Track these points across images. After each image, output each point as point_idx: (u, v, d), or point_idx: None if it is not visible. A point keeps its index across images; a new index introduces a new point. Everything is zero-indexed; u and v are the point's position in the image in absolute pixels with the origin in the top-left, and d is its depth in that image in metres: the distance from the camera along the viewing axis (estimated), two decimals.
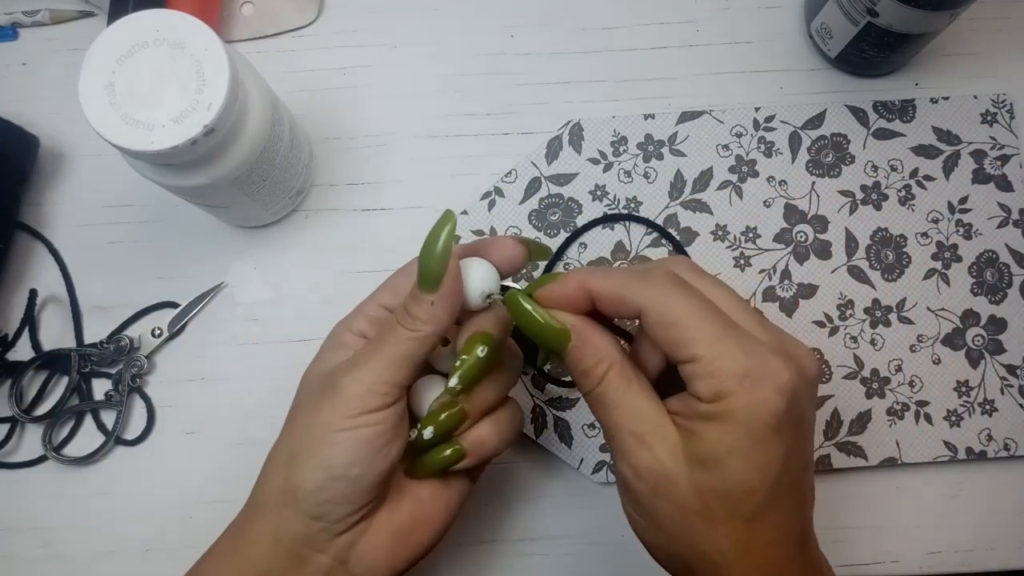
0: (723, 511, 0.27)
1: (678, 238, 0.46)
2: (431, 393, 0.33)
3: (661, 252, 0.46)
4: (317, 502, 0.31)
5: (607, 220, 0.46)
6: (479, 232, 0.47)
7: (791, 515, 0.28)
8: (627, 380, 0.29)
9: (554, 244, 0.46)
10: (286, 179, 0.44)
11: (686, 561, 0.29)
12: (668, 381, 0.30)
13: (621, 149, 0.48)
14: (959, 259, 0.46)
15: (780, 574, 0.28)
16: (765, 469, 0.27)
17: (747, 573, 0.28)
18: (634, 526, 0.31)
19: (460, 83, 0.50)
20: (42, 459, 0.45)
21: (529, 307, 0.30)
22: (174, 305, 0.47)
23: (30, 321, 0.46)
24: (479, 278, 0.32)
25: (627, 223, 0.47)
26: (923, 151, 0.47)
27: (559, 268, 0.46)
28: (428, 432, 0.32)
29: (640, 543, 0.31)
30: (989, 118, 0.48)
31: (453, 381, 0.31)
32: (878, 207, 0.47)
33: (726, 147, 0.48)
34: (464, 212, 0.47)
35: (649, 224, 0.46)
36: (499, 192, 0.47)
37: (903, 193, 0.47)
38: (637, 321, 0.30)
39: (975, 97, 0.48)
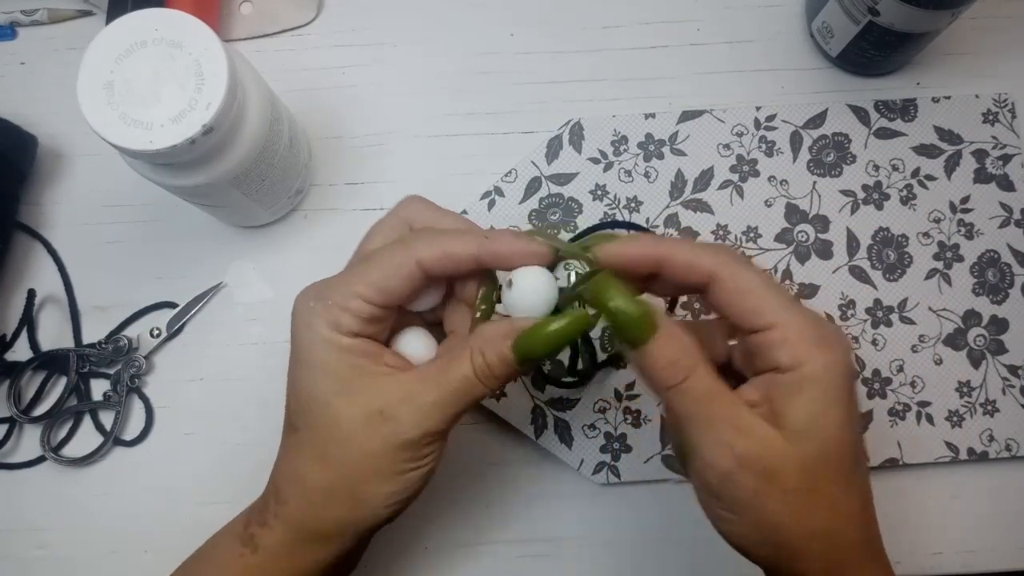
0: (825, 480, 0.28)
1: (679, 238, 0.46)
2: (415, 346, 0.34)
3: None
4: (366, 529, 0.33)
5: (604, 227, 0.46)
6: None
7: (865, 477, 0.30)
8: (715, 373, 0.29)
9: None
10: (285, 179, 0.44)
11: (794, 546, 0.29)
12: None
13: (622, 148, 0.47)
14: (961, 259, 0.46)
15: (873, 536, 0.30)
16: (850, 427, 0.28)
17: (853, 540, 0.29)
18: (726, 527, 0.30)
19: (460, 83, 0.49)
20: (40, 459, 0.45)
21: (619, 293, 0.28)
22: (173, 305, 0.47)
23: (28, 321, 0.46)
24: (538, 292, 0.31)
25: (627, 223, 0.47)
26: (924, 151, 0.47)
27: (559, 270, 0.46)
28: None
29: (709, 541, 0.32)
30: (991, 117, 0.47)
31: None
32: (879, 207, 0.47)
33: (727, 146, 0.47)
34: (464, 212, 0.47)
35: (644, 231, 0.46)
36: (499, 192, 0.47)
37: (904, 193, 0.47)
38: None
39: (977, 96, 0.48)
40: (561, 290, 0.31)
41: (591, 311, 0.30)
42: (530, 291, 0.30)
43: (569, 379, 0.44)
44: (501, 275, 0.33)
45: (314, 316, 0.31)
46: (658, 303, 0.31)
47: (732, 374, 0.32)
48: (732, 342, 0.33)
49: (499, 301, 0.33)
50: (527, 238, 0.31)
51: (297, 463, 0.32)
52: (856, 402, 0.29)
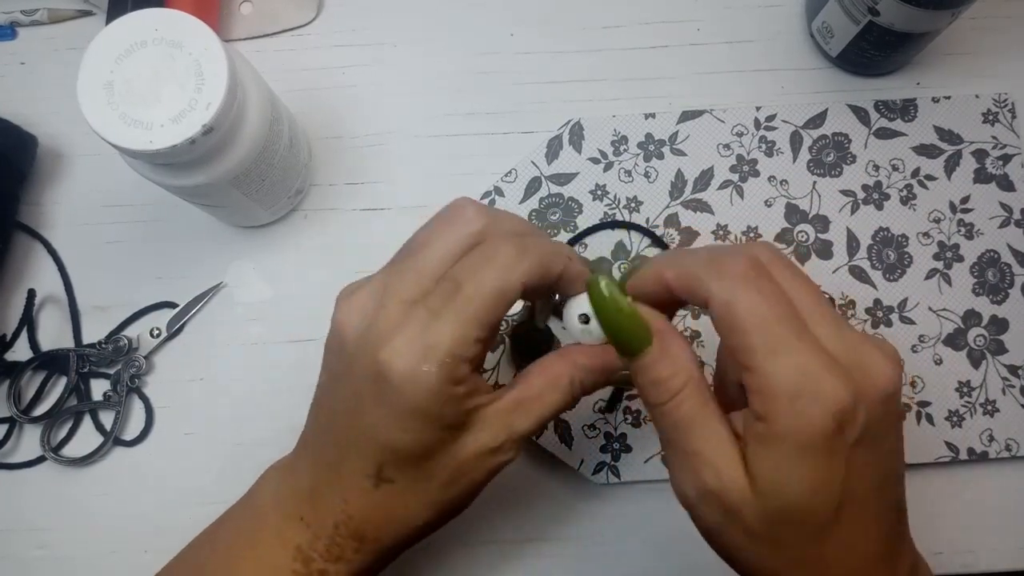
0: (789, 534, 0.27)
1: (679, 238, 0.46)
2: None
3: (661, 251, 0.46)
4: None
5: (604, 227, 0.46)
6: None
7: (865, 534, 0.27)
8: (703, 399, 0.28)
9: None
10: (285, 179, 0.44)
11: None
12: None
13: (622, 148, 0.47)
14: (961, 259, 0.46)
15: None
16: (823, 491, 0.26)
17: None
18: (707, 539, 0.30)
19: (460, 82, 0.49)
20: (40, 460, 0.45)
21: (612, 296, 0.28)
22: (173, 305, 0.47)
23: (28, 321, 0.46)
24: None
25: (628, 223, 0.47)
26: (924, 151, 0.47)
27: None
28: None
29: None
30: (991, 117, 0.47)
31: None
32: (879, 207, 0.47)
33: (727, 146, 0.47)
34: None
35: (644, 232, 0.46)
36: (499, 192, 0.47)
37: (904, 193, 0.47)
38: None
39: (977, 96, 0.48)
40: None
41: None
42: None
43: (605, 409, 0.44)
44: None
45: (429, 382, 0.28)
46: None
47: None
48: None
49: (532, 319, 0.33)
50: (586, 266, 0.32)
51: (397, 510, 0.31)
52: (869, 455, 0.26)
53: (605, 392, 0.44)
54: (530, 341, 0.44)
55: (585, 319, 0.32)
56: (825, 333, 0.26)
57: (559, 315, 0.33)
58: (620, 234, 0.46)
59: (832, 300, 0.33)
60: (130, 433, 0.46)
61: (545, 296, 0.34)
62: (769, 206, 0.47)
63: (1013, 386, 0.44)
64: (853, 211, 0.47)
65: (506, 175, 0.47)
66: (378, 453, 0.30)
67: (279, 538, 0.32)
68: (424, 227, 0.32)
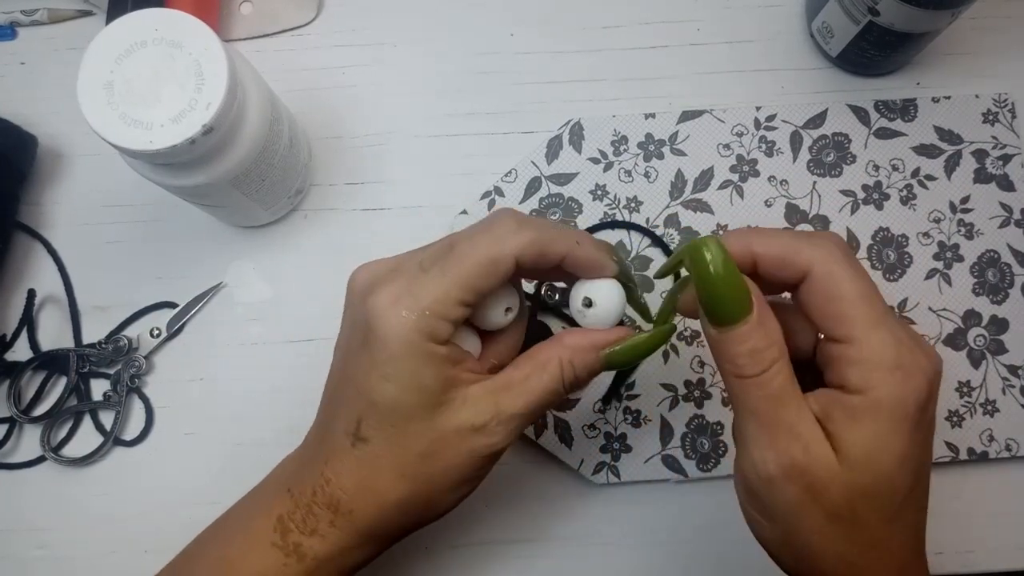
0: (869, 512, 0.27)
1: (679, 238, 0.46)
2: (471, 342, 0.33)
3: (662, 251, 0.46)
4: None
5: (604, 227, 0.46)
6: None
7: (919, 513, 0.28)
8: (792, 374, 0.28)
9: None
10: (285, 179, 0.44)
11: (819, 567, 0.28)
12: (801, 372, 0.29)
13: (621, 148, 0.47)
14: (961, 259, 0.46)
15: (906, 573, 0.28)
16: (909, 465, 0.27)
17: (881, 574, 0.28)
18: (756, 528, 0.30)
19: (460, 82, 0.49)
20: (40, 460, 0.45)
21: (725, 258, 0.27)
22: (173, 305, 0.47)
23: (28, 321, 0.46)
24: (612, 300, 0.32)
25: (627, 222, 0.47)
26: (924, 151, 0.47)
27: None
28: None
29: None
30: (991, 117, 0.47)
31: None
32: (879, 207, 0.47)
33: (727, 146, 0.47)
34: (464, 212, 0.47)
35: (644, 232, 0.46)
36: (499, 192, 0.47)
37: (904, 193, 0.47)
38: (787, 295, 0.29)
39: (977, 96, 0.48)
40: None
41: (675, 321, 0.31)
42: (611, 303, 0.32)
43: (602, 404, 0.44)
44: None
45: (407, 327, 0.29)
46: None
47: (811, 370, 0.30)
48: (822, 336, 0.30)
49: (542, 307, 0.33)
50: (605, 252, 0.32)
51: (370, 477, 0.31)
52: (926, 437, 0.28)
53: (605, 392, 0.44)
54: (530, 334, 0.44)
55: (587, 303, 0.32)
56: (893, 318, 0.28)
57: (588, 304, 0.32)
58: (620, 234, 0.46)
59: None
60: (130, 433, 0.46)
61: (561, 278, 0.34)
62: (769, 206, 0.47)
63: (1013, 386, 0.44)
64: (853, 211, 0.47)
65: (506, 175, 0.47)
66: (358, 406, 0.30)
67: (267, 510, 0.32)
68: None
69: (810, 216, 0.46)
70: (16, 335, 0.46)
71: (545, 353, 0.32)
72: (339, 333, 0.33)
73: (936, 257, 0.46)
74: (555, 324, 0.34)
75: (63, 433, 0.46)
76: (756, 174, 0.47)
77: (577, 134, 0.48)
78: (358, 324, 0.30)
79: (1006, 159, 0.47)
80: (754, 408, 0.28)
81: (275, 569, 0.31)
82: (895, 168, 0.47)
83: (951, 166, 0.47)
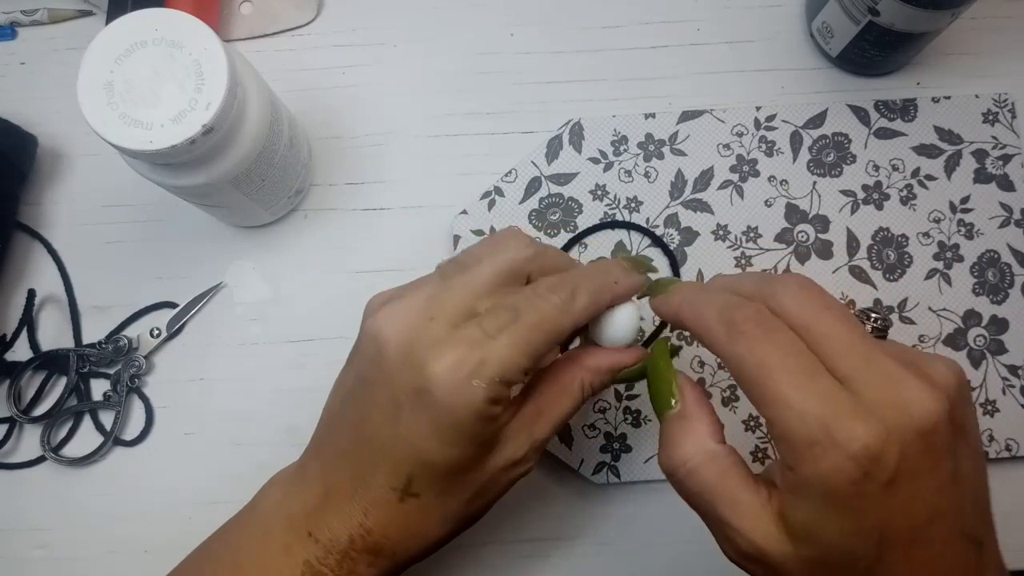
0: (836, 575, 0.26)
1: (679, 238, 0.46)
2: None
3: (662, 252, 0.46)
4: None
5: (604, 227, 0.46)
6: (479, 232, 0.46)
7: (927, 566, 0.26)
8: (722, 469, 0.28)
9: (555, 244, 0.46)
10: (285, 179, 0.44)
11: None
12: None
13: (622, 148, 0.47)
14: (961, 259, 0.46)
15: None
16: (859, 536, 0.25)
17: None
18: None
19: (460, 82, 0.49)
20: (40, 460, 0.45)
21: (663, 365, 0.31)
22: (173, 305, 0.47)
23: (28, 321, 0.46)
24: (630, 328, 0.33)
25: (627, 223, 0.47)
26: (925, 151, 0.47)
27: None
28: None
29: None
30: (991, 117, 0.47)
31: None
32: (879, 207, 0.47)
33: (727, 146, 0.47)
34: (464, 212, 0.47)
35: (644, 232, 0.46)
36: (499, 192, 0.47)
37: (904, 193, 0.47)
38: None
39: (977, 96, 0.48)
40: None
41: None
42: (626, 325, 0.33)
43: None
44: None
45: (477, 399, 0.29)
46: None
47: None
48: None
49: None
50: (635, 274, 0.33)
51: (417, 525, 0.31)
52: (912, 490, 0.25)
53: (606, 392, 0.44)
54: None
55: (606, 326, 0.33)
56: (850, 367, 0.26)
57: None
58: (620, 234, 0.46)
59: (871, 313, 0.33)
60: (130, 433, 0.46)
61: None
62: (769, 206, 0.47)
63: (1013, 386, 0.44)
64: (853, 211, 0.47)
65: (506, 175, 0.47)
66: (410, 465, 0.30)
67: (287, 553, 0.31)
68: (473, 247, 0.33)
69: (810, 216, 0.46)
70: (16, 335, 0.46)
71: (567, 375, 0.33)
72: (356, 374, 0.32)
73: (936, 257, 0.46)
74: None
75: (63, 433, 0.46)
76: (756, 174, 0.47)
77: (577, 134, 0.48)
78: (402, 383, 0.30)
79: (1006, 159, 0.47)
80: (697, 493, 0.29)
81: None
82: (895, 168, 0.47)
83: (951, 166, 0.47)
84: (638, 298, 0.34)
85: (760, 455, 0.44)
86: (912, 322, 0.45)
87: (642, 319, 0.34)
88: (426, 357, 0.29)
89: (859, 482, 0.24)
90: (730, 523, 0.28)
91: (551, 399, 0.32)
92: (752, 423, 0.44)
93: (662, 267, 0.46)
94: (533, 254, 0.32)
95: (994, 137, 0.47)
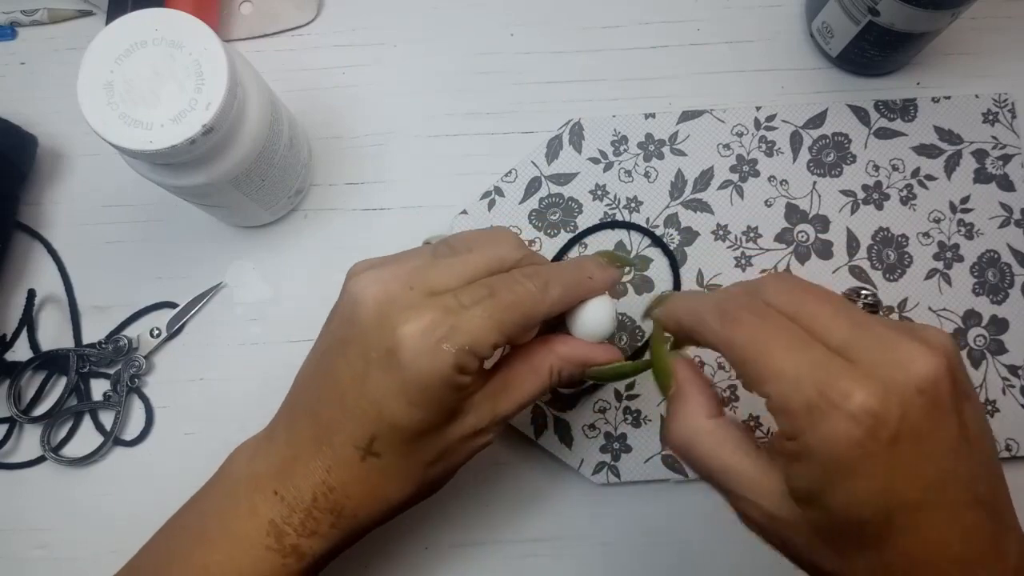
0: (847, 544, 0.26)
1: (679, 238, 0.46)
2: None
3: (662, 252, 0.46)
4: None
5: (604, 227, 0.46)
6: None
7: (935, 538, 0.25)
8: (717, 442, 0.29)
9: (555, 244, 0.46)
10: (285, 179, 0.44)
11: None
12: None
13: (622, 148, 0.47)
14: (961, 259, 0.46)
15: None
16: (866, 500, 0.25)
17: None
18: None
19: (460, 82, 0.49)
20: (40, 459, 0.45)
21: (660, 351, 0.32)
22: (173, 305, 0.47)
23: (28, 321, 0.46)
24: (604, 320, 0.34)
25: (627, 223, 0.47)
26: (925, 151, 0.47)
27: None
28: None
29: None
30: (991, 117, 0.47)
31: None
32: (879, 207, 0.47)
33: (727, 146, 0.47)
34: (464, 212, 0.47)
35: (644, 231, 0.46)
36: (499, 192, 0.47)
37: (904, 193, 0.47)
38: None
39: (977, 96, 0.48)
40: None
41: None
42: (600, 319, 0.34)
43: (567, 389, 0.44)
44: None
45: (445, 363, 0.29)
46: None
47: None
48: None
49: None
50: (610, 268, 0.34)
51: (379, 486, 0.32)
52: (920, 450, 0.25)
53: (606, 392, 0.44)
54: None
55: (581, 317, 0.34)
56: (841, 337, 0.26)
57: None
58: (620, 234, 0.46)
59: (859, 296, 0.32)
60: (130, 433, 0.46)
61: None
62: (769, 206, 0.47)
63: (1013, 386, 0.44)
64: (853, 211, 0.47)
65: (506, 175, 0.47)
66: (374, 425, 0.31)
67: (252, 514, 0.32)
68: (466, 234, 0.34)
69: (810, 216, 0.46)
70: (16, 335, 0.46)
71: (538, 358, 0.34)
72: (331, 333, 0.33)
73: (936, 257, 0.46)
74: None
75: (63, 433, 0.46)
76: (756, 174, 0.47)
77: (577, 134, 0.48)
78: (374, 342, 0.30)
79: (1006, 159, 0.47)
80: (698, 467, 0.30)
81: (273, 570, 0.32)
82: (895, 168, 0.47)
83: (951, 166, 0.47)
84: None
85: None
86: (912, 322, 0.45)
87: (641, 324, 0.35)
88: (399, 319, 0.30)
89: (861, 442, 0.24)
90: (735, 492, 0.28)
91: (519, 377, 0.33)
92: (753, 422, 0.44)
93: (662, 267, 0.46)
94: (522, 256, 0.33)
95: (994, 137, 0.47)
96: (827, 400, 0.24)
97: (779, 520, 0.27)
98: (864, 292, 0.31)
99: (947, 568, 0.25)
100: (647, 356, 0.34)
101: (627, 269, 0.43)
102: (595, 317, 0.34)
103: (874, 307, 0.31)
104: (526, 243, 0.34)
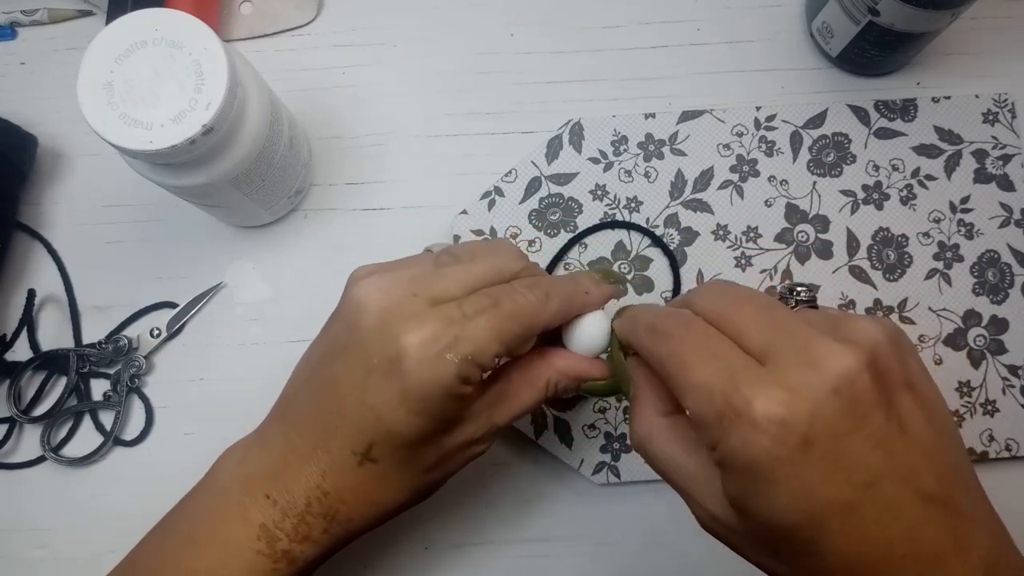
0: (783, 548, 0.26)
1: (679, 238, 0.46)
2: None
3: (661, 252, 0.46)
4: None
5: (604, 227, 0.46)
6: (479, 232, 0.46)
7: (874, 539, 0.24)
8: (668, 440, 0.30)
9: (555, 244, 0.46)
10: (285, 178, 0.44)
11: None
12: None
13: (622, 148, 0.47)
14: (961, 259, 0.46)
15: None
16: (791, 503, 0.24)
17: None
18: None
19: (460, 82, 0.49)
20: (40, 459, 0.45)
21: (618, 358, 0.33)
22: (173, 305, 0.47)
23: (28, 321, 0.46)
24: (599, 335, 0.34)
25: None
26: (925, 151, 0.47)
27: (560, 270, 0.46)
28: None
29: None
30: (991, 117, 0.47)
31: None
32: (879, 207, 0.47)
33: (727, 146, 0.47)
34: (464, 212, 0.47)
35: (644, 231, 0.46)
36: (499, 192, 0.47)
37: (904, 193, 0.47)
38: None
39: (976, 96, 0.48)
40: None
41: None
42: (596, 333, 0.34)
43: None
44: None
45: (448, 372, 0.29)
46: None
47: None
48: None
49: None
50: (605, 285, 0.35)
51: (374, 492, 0.32)
52: (843, 451, 0.24)
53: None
54: None
55: (577, 332, 0.34)
56: (761, 340, 0.26)
57: None
58: (620, 234, 0.46)
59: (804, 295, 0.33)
60: (130, 433, 0.46)
61: None
62: (769, 206, 0.47)
63: (1013, 386, 0.44)
64: (853, 211, 0.47)
65: (506, 175, 0.47)
66: (373, 432, 0.31)
67: (243, 520, 0.32)
68: (468, 244, 0.35)
69: (810, 216, 0.46)
70: (16, 335, 0.46)
71: (535, 370, 0.34)
72: (331, 338, 0.33)
73: (936, 257, 0.46)
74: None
75: (63, 433, 0.46)
76: (756, 174, 0.47)
77: (577, 134, 0.48)
78: (376, 349, 0.30)
79: (1006, 159, 0.47)
80: (652, 464, 0.30)
81: (263, 575, 0.32)
82: (895, 168, 0.47)
83: (951, 166, 0.47)
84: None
85: None
86: (912, 322, 0.45)
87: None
88: (402, 328, 0.30)
89: (769, 450, 0.24)
90: (683, 490, 0.29)
91: (516, 389, 0.33)
92: None
93: (662, 267, 0.46)
94: (523, 267, 0.33)
95: (994, 137, 0.47)
96: (733, 409, 0.24)
97: (723, 524, 0.27)
98: (799, 289, 0.31)
99: (897, 568, 0.24)
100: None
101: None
102: (590, 332, 0.34)
103: (811, 303, 0.31)
104: (521, 246, 0.34)
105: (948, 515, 0.25)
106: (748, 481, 0.25)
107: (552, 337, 0.35)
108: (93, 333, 0.47)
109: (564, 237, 0.46)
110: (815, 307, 0.30)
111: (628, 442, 0.31)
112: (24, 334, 0.46)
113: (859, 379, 0.24)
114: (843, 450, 0.24)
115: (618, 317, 0.33)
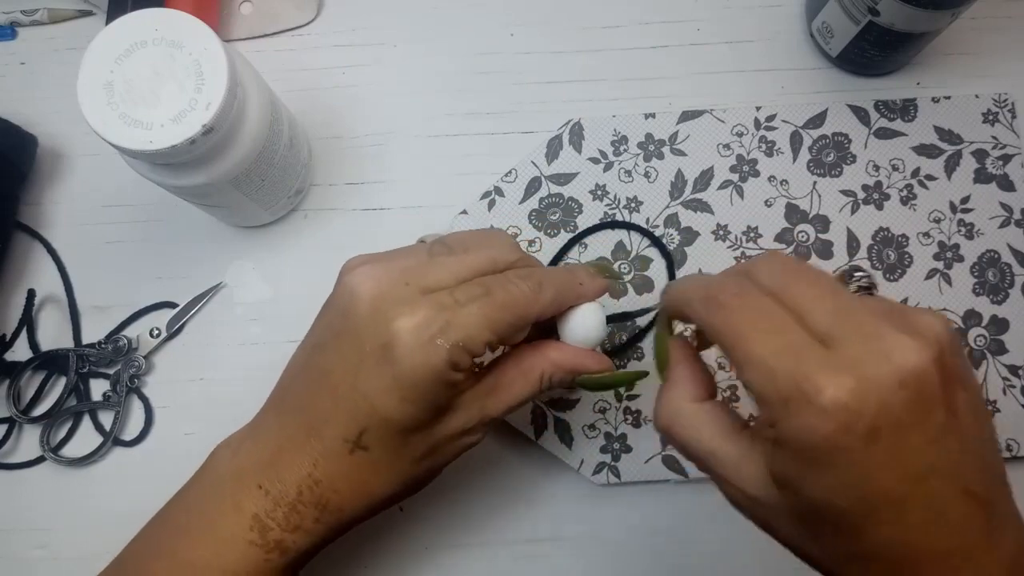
0: (826, 532, 0.26)
1: (679, 238, 0.46)
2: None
3: (661, 252, 0.46)
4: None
5: (603, 227, 0.46)
6: None
7: (919, 531, 0.25)
8: (697, 426, 0.30)
9: (555, 244, 0.46)
10: (285, 178, 0.44)
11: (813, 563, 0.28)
12: None
13: (622, 148, 0.47)
14: (961, 259, 0.46)
15: None
16: (842, 492, 0.25)
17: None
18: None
19: (460, 82, 0.49)
20: (40, 460, 0.45)
21: (661, 336, 0.33)
22: (172, 305, 0.47)
23: (28, 321, 0.46)
24: (594, 327, 0.34)
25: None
26: (925, 151, 0.47)
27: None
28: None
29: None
30: (991, 117, 0.47)
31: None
32: (880, 207, 0.47)
33: (727, 146, 0.47)
34: (464, 212, 0.47)
35: (643, 232, 0.46)
36: (499, 192, 0.47)
37: (905, 193, 0.47)
38: None
39: (977, 96, 0.48)
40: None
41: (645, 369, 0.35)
42: (591, 325, 0.34)
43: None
44: None
45: (439, 358, 0.30)
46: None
47: None
48: None
49: None
50: (599, 278, 0.35)
51: (366, 481, 0.32)
52: (898, 445, 0.24)
53: (607, 392, 0.44)
54: None
55: (572, 323, 0.34)
56: (824, 323, 0.26)
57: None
58: (620, 234, 0.46)
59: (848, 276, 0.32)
60: (130, 433, 0.46)
61: None
62: (769, 206, 0.47)
63: (1013, 386, 0.44)
64: (853, 211, 0.47)
65: (506, 175, 0.47)
66: (364, 419, 0.31)
67: (236, 511, 0.32)
68: (461, 234, 0.34)
69: (810, 216, 0.46)
70: (16, 335, 0.46)
71: (529, 362, 0.34)
72: (324, 327, 0.33)
73: (936, 257, 0.46)
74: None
75: (62, 433, 0.46)
76: (756, 174, 0.47)
77: (577, 134, 0.48)
78: (368, 336, 0.30)
79: (1006, 159, 0.47)
80: (680, 449, 0.30)
81: (256, 566, 0.32)
82: (895, 168, 0.47)
83: (951, 166, 0.47)
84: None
85: None
86: (906, 306, 0.45)
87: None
88: (394, 314, 0.30)
89: (833, 436, 0.24)
90: (716, 472, 0.29)
91: (510, 380, 0.33)
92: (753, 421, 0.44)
93: (662, 267, 0.46)
94: (517, 258, 0.33)
95: (994, 137, 0.47)
96: (801, 392, 0.24)
97: (761, 503, 0.28)
98: (859, 274, 0.31)
99: (934, 560, 0.25)
100: (628, 367, 0.35)
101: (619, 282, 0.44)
102: (585, 324, 0.34)
103: (868, 289, 0.31)
104: (521, 245, 0.34)
105: (985, 512, 0.25)
106: (804, 462, 0.25)
107: (548, 330, 0.35)
108: (93, 333, 0.47)
109: (564, 237, 0.46)
110: (871, 294, 0.30)
111: (652, 425, 0.31)
112: (24, 334, 0.46)
113: (927, 375, 0.24)
114: (904, 443, 0.24)
115: (665, 293, 0.32)
